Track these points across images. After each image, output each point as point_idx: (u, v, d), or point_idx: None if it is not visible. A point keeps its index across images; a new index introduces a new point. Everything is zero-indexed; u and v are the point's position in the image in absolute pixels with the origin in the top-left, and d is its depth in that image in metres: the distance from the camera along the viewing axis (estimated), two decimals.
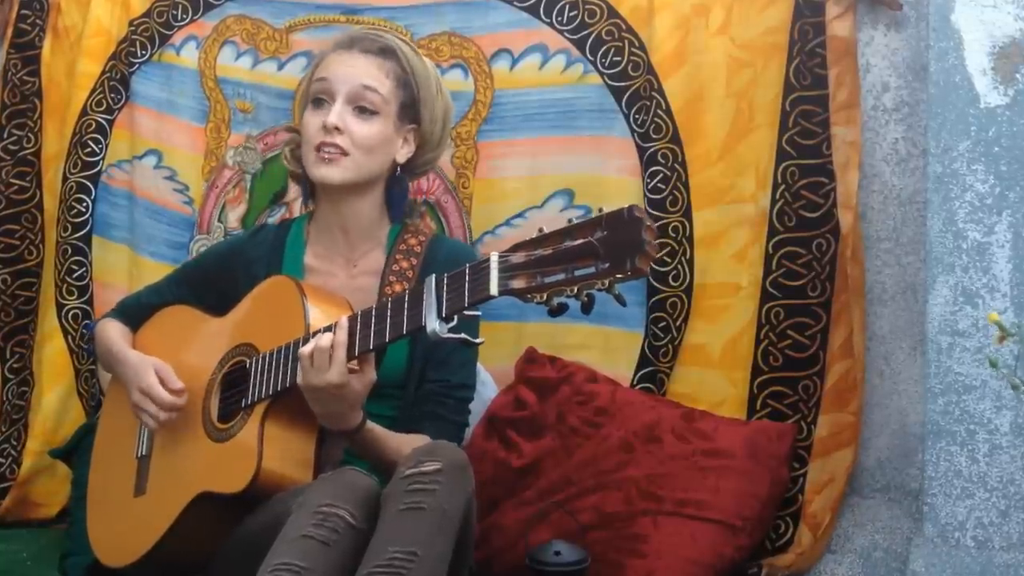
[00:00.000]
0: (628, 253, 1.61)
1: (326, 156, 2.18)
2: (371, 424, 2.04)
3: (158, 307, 2.37)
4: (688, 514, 2.32)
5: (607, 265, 1.63)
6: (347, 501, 1.86)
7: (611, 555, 2.31)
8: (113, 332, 2.35)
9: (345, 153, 2.18)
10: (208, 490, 2.05)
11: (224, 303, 2.24)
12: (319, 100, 2.21)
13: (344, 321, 1.95)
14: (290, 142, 2.34)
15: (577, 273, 1.65)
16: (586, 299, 1.66)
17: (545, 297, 1.68)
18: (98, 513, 2.31)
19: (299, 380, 1.97)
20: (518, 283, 1.70)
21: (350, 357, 1.94)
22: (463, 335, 1.81)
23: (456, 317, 1.80)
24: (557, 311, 1.69)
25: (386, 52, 2.23)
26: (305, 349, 1.95)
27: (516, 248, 1.73)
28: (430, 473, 1.85)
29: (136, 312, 2.39)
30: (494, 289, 1.72)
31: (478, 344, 1.85)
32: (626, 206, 1.63)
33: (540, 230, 1.72)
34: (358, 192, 2.23)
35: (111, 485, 2.29)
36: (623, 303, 1.69)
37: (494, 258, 1.73)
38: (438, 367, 2.19)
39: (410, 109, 2.24)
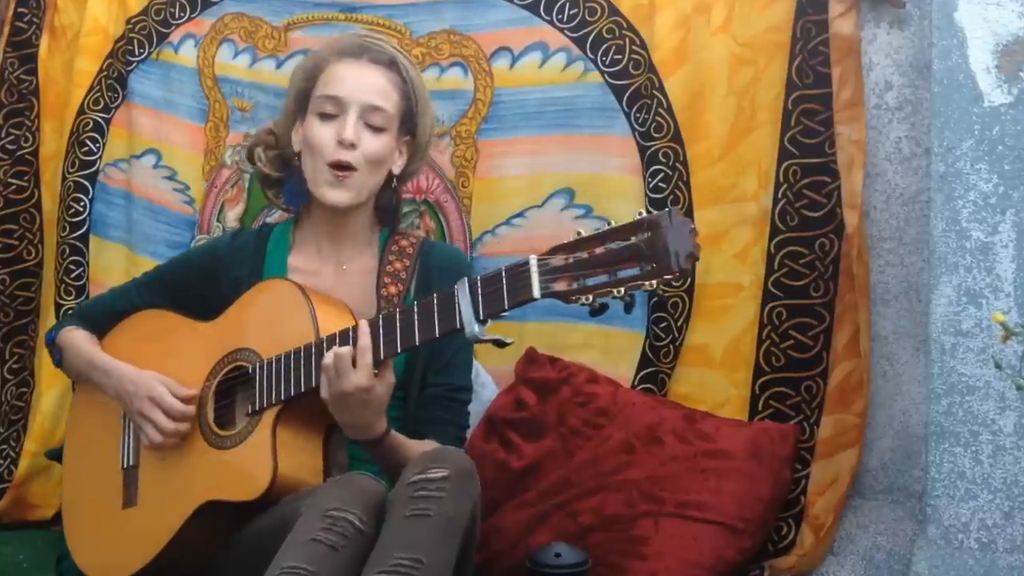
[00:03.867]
0: (674, 254, 1.67)
1: (340, 176, 2.16)
2: (394, 431, 2.04)
3: (125, 312, 2.32)
4: (690, 516, 2.31)
5: (652, 266, 1.68)
6: (356, 505, 1.86)
7: (612, 557, 2.30)
8: (82, 340, 2.30)
9: (355, 168, 2.17)
10: (215, 499, 2.03)
11: (204, 307, 2.21)
12: (327, 115, 2.19)
13: (365, 325, 1.96)
14: (267, 144, 2.32)
15: (620, 275, 1.71)
16: (629, 299, 1.72)
17: (590, 299, 1.74)
18: (82, 527, 2.27)
19: (324, 392, 1.96)
20: (560, 285, 1.76)
21: (376, 361, 1.95)
22: (498, 336, 1.85)
23: (490, 320, 1.84)
24: (599, 311, 1.75)
25: (391, 64, 2.22)
26: (327, 359, 1.95)
27: (554, 251, 1.77)
28: (436, 480, 1.85)
29: (100, 318, 2.34)
30: (536, 292, 1.77)
31: (509, 343, 1.88)
32: (666, 209, 1.70)
33: (578, 233, 1.77)
34: (361, 205, 2.23)
35: (95, 498, 2.24)
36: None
37: (533, 261, 1.78)
38: (440, 371, 2.19)
39: (408, 121, 2.24)
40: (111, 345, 2.30)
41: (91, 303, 2.42)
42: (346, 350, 1.94)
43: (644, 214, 1.71)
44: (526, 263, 1.78)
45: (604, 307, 1.74)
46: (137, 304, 2.32)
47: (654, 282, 1.68)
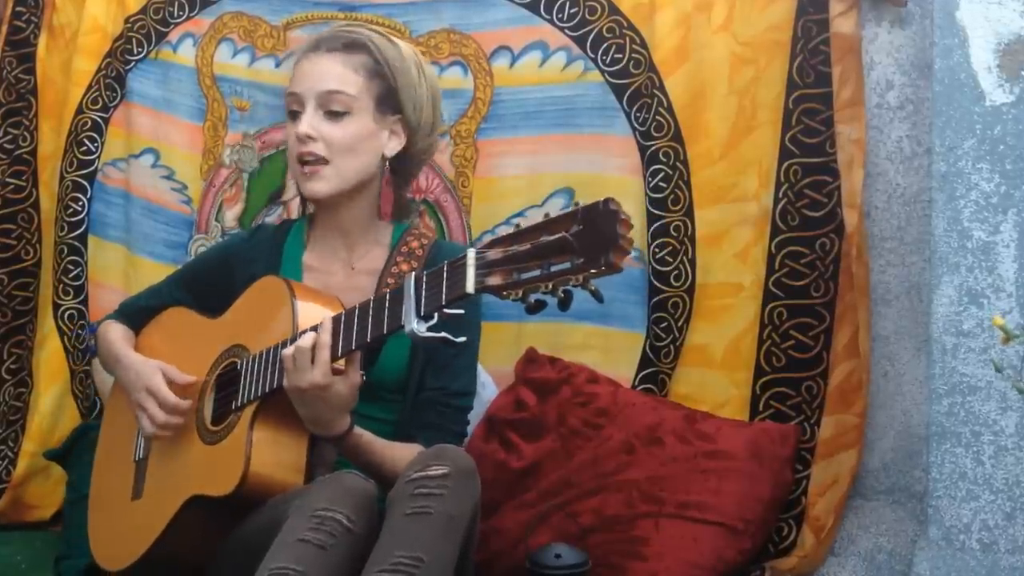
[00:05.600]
0: (602, 248, 1.59)
1: (308, 171, 2.16)
2: (359, 430, 2.02)
3: (158, 309, 2.35)
4: (690, 517, 2.31)
5: (581, 260, 1.60)
6: (344, 505, 1.84)
7: (612, 558, 2.29)
8: (116, 335, 2.33)
9: (325, 160, 2.15)
10: (199, 493, 2.03)
11: (222, 304, 2.22)
12: (294, 112, 2.19)
13: (328, 322, 1.93)
14: None
15: (553, 269, 1.63)
16: (563, 295, 1.64)
17: (521, 294, 1.66)
18: (98, 517, 2.30)
19: (284, 383, 1.95)
20: (494, 280, 1.68)
21: (334, 357, 1.92)
22: (444, 334, 1.77)
23: (437, 315, 1.77)
24: (534, 308, 1.67)
25: (353, 46, 2.19)
26: (287, 351, 1.94)
27: (493, 244, 1.70)
28: (437, 478, 1.84)
29: (136, 314, 2.37)
30: (470, 286, 1.70)
31: (459, 343, 1.79)
32: (602, 199, 1.61)
33: (517, 225, 1.71)
34: (351, 194, 2.20)
35: (110, 489, 2.28)
36: (600, 299, 1.66)
37: (471, 254, 1.71)
38: (438, 373, 2.16)
39: (389, 99, 2.20)
40: (144, 342, 2.33)
41: (129, 300, 2.45)
42: (306, 344, 1.91)
43: (580, 204, 1.63)
44: (464, 257, 1.71)
45: (540, 304, 1.66)
46: (167, 302, 2.35)
47: (581, 277, 1.60)
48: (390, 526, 1.82)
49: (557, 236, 1.63)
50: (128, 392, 2.23)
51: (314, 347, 1.91)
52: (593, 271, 1.60)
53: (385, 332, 1.85)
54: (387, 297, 1.86)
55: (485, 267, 1.69)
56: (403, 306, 1.80)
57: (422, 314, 1.77)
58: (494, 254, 1.69)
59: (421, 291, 1.78)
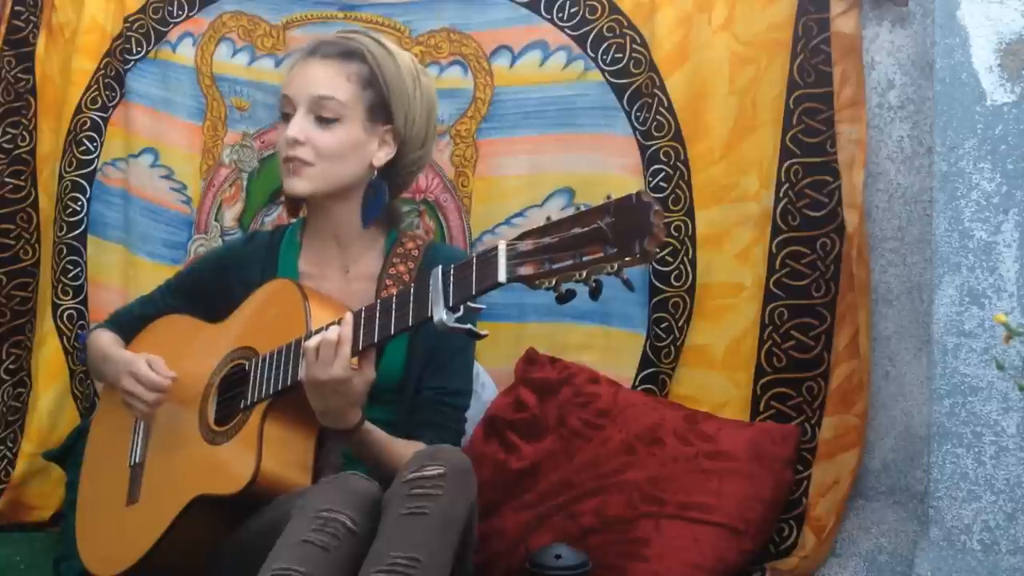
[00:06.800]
0: (636, 236, 1.62)
1: (292, 167, 2.16)
2: (369, 425, 2.03)
3: (152, 318, 2.35)
4: (691, 517, 2.30)
5: (615, 249, 1.64)
6: (348, 506, 1.85)
7: (612, 559, 2.29)
8: (105, 340, 2.33)
9: (310, 164, 2.15)
10: (205, 493, 2.02)
11: (219, 311, 2.22)
12: (285, 115, 2.20)
13: (349, 316, 1.95)
14: None
15: (585, 258, 1.67)
16: (594, 284, 1.68)
17: (553, 283, 1.70)
18: (89, 523, 2.29)
19: (302, 375, 1.96)
20: (526, 270, 1.72)
21: (354, 352, 1.93)
22: (469, 326, 1.81)
23: (462, 308, 1.80)
24: (565, 297, 1.71)
25: (348, 55, 2.19)
26: (311, 342, 1.94)
27: (524, 236, 1.74)
28: (433, 478, 1.84)
29: (129, 323, 2.37)
30: (502, 276, 1.73)
31: (483, 336, 1.85)
32: (634, 192, 1.65)
33: (548, 218, 1.74)
34: (339, 199, 2.20)
35: (103, 495, 2.27)
36: (631, 288, 1.71)
37: (502, 246, 1.74)
38: (435, 373, 2.17)
39: (381, 109, 2.19)
40: (136, 349, 2.32)
41: (122, 309, 2.45)
42: (332, 337, 1.92)
43: (612, 197, 1.67)
44: (495, 248, 1.75)
45: (571, 294, 1.70)
46: (161, 309, 2.35)
47: (615, 265, 1.64)
48: (386, 526, 1.83)
49: (590, 227, 1.66)
50: (116, 384, 2.23)
51: (338, 340, 1.92)
52: (628, 259, 1.63)
53: (410, 324, 1.88)
54: (410, 291, 1.88)
55: (516, 257, 1.73)
56: (429, 298, 1.82)
57: (450, 305, 1.80)
58: (525, 245, 1.72)
59: (449, 282, 1.81)
